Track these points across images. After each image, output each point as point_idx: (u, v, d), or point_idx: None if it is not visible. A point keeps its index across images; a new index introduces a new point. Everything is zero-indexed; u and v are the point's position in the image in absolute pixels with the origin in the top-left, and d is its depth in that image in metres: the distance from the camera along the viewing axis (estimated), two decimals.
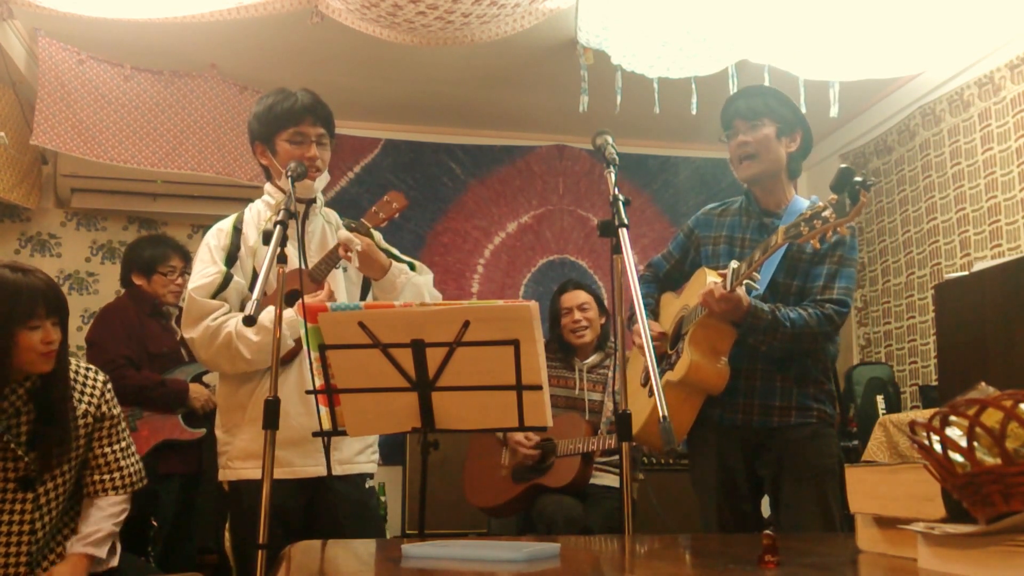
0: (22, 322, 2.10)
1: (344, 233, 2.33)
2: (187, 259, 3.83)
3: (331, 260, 2.34)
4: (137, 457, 2.43)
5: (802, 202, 2.49)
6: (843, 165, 2.16)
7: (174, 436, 3.55)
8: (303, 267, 2.37)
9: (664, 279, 2.74)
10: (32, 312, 2.12)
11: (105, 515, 2.30)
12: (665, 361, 2.50)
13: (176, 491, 3.60)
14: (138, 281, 3.74)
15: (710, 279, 2.39)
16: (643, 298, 2.65)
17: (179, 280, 3.74)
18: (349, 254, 2.29)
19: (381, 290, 2.39)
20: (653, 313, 2.68)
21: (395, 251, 2.55)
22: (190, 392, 3.56)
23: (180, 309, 3.79)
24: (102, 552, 2.27)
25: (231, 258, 2.35)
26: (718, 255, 2.54)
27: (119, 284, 3.97)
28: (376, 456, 2.47)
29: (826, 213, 2.04)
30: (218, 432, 2.38)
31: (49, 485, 2.23)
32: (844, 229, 2.03)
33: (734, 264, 2.30)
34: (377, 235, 2.52)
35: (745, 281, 2.28)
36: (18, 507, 2.18)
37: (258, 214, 2.44)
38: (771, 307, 2.32)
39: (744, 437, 2.44)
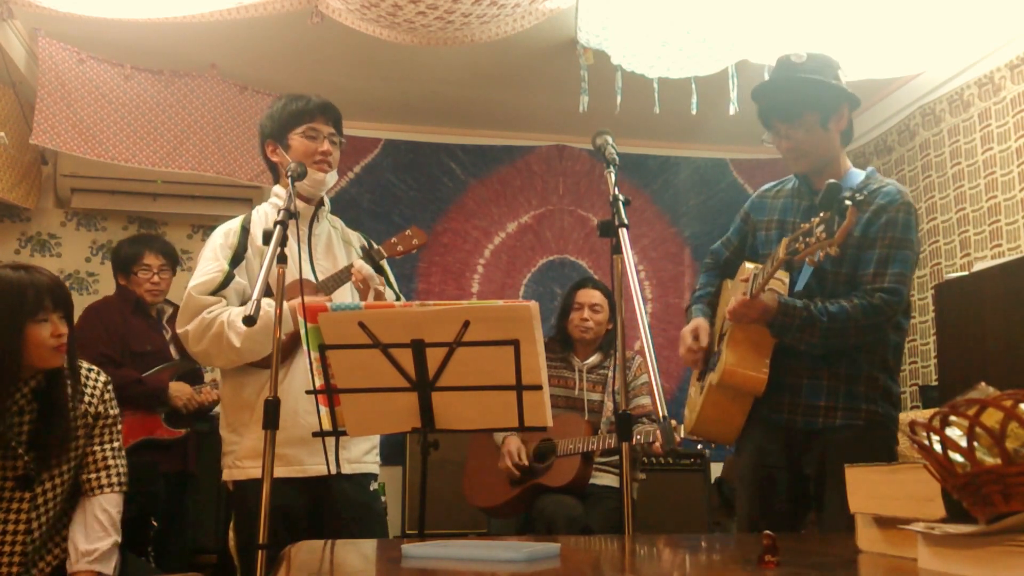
0: (30, 316, 2.10)
1: (368, 269, 2.35)
2: (169, 257, 3.79)
3: (342, 278, 2.37)
4: (125, 461, 2.40)
5: (857, 175, 2.35)
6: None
7: (154, 435, 3.52)
8: (311, 268, 2.39)
9: (725, 266, 2.61)
10: (39, 306, 2.12)
11: (106, 525, 2.26)
12: (712, 359, 2.41)
13: (163, 491, 3.58)
14: (121, 281, 3.78)
15: (740, 279, 2.31)
16: (701, 288, 2.60)
17: (155, 278, 3.72)
18: (359, 284, 2.32)
19: None
20: (711, 305, 2.56)
21: (391, 277, 2.59)
22: (169, 391, 3.53)
23: (173, 306, 3.80)
24: (108, 568, 2.24)
25: (237, 258, 2.35)
26: (771, 241, 2.39)
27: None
28: (378, 457, 2.47)
29: (817, 231, 1.95)
30: (223, 431, 2.37)
31: (47, 485, 2.22)
32: (834, 250, 1.92)
33: (755, 270, 2.22)
34: (384, 262, 2.57)
35: (766, 287, 2.17)
36: (15, 506, 2.17)
37: (265, 215, 2.45)
38: (804, 303, 2.18)
39: (789, 436, 2.31)
